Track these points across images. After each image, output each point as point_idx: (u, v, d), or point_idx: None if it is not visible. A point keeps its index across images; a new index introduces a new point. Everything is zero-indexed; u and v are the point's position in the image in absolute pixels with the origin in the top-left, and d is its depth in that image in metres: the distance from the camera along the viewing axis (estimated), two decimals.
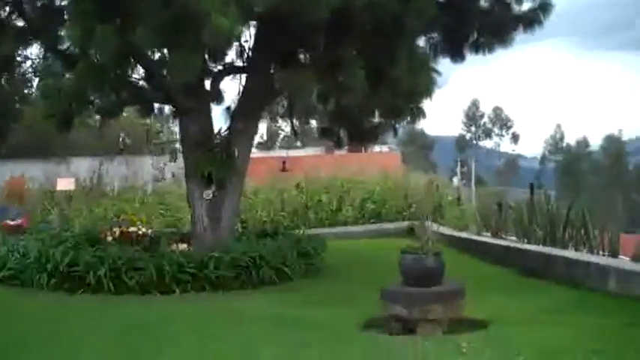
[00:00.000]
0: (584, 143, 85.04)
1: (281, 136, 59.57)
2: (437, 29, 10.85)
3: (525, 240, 11.14)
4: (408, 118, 11.25)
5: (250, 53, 11.48)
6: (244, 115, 11.07)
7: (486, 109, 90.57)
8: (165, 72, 10.43)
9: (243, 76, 11.61)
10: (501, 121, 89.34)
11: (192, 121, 10.98)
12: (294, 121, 15.08)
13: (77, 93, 10.15)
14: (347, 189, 17.50)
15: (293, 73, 9.97)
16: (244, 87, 11.37)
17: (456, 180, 34.14)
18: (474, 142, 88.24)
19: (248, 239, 10.63)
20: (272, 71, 10.70)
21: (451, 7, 10.28)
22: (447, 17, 10.16)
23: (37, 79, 23.97)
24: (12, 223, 13.20)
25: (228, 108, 11.92)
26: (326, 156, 27.19)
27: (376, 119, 12.23)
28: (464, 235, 12.54)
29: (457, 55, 11.25)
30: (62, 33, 10.78)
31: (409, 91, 10.22)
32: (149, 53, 10.54)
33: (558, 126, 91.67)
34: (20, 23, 11.43)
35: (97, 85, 9.91)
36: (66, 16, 10.41)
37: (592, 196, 36.49)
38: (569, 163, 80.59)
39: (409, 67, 9.90)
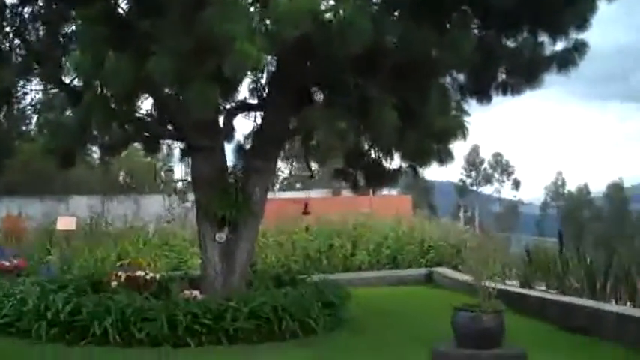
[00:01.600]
0: (585, 190, 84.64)
1: (280, 178, 58.82)
2: (464, 69, 10.27)
3: (558, 291, 10.44)
4: (435, 162, 10.58)
5: (266, 90, 10.92)
6: (260, 154, 10.42)
7: (486, 155, 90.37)
8: (177, 107, 9.82)
9: (258, 113, 11.05)
10: (502, 167, 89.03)
11: (204, 159, 10.30)
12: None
13: (81, 128, 9.51)
14: (360, 233, 16.79)
15: (314, 111, 9.41)
16: (260, 125, 10.76)
17: (459, 225, 33.59)
18: (474, 187, 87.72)
19: (267, 288, 9.81)
20: (290, 109, 10.13)
21: (479, 45, 9.69)
22: (475, 56, 9.58)
23: (36, 116, 23.36)
24: (8, 264, 12.44)
25: (240, 146, 11.26)
26: (334, 198, 26.54)
27: (397, 161, 11.56)
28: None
29: (483, 97, 10.64)
30: (67, 63, 10.14)
31: (440, 132, 9.65)
32: (162, 86, 9.92)
33: (559, 173, 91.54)
34: (23, 53, 10.83)
35: (104, 119, 9.24)
36: (73, 45, 9.83)
37: (597, 243, 35.81)
38: (571, 210, 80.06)
39: (440, 106, 9.35)
